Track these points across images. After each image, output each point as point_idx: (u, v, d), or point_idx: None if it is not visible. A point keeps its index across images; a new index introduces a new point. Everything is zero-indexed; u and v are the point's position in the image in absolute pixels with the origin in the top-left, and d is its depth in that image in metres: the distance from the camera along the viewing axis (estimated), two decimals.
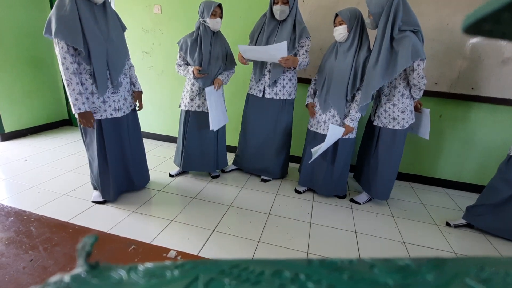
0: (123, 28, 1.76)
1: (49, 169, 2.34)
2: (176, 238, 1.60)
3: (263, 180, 2.37)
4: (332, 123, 1.93)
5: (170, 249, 1.48)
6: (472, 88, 2.23)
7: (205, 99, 2.09)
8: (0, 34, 2.78)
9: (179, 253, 1.47)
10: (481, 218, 1.80)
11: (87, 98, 1.61)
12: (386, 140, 1.90)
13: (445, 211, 2.13)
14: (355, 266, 0.22)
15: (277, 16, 1.94)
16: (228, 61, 2.14)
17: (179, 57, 2.13)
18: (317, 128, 2.03)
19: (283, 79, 2.08)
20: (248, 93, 2.24)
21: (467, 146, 2.43)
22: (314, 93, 2.09)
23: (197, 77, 2.03)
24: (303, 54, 1.99)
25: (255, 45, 2.05)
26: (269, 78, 2.07)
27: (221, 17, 1.99)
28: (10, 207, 0.63)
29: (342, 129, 1.84)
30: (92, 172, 1.84)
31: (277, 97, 2.10)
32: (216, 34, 2.07)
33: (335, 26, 1.85)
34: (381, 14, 1.66)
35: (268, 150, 2.27)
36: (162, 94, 3.05)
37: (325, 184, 2.09)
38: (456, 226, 1.89)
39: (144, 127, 3.27)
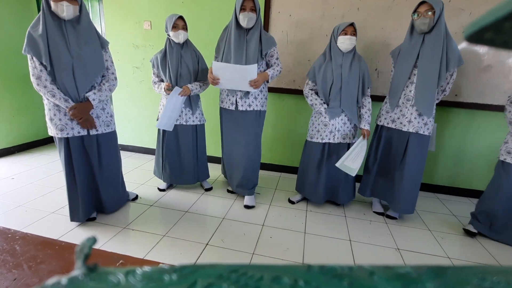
0: (103, 43, 1.69)
1: (37, 187, 2.28)
2: (169, 253, 1.57)
3: (247, 207, 2.12)
4: (344, 130, 2.00)
5: (159, 263, 1.44)
6: (456, 95, 2.31)
7: (181, 112, 2.08)
8: None
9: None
10: (487, 227, 1.81)
11: (55, 114, 1.60)
12: (417, 146, 1.86)
13: (438, 216, 2.15)
14: (355, 273, 0.22)
15: (244, 24, 1.84)
16: (200, 73, 2.11)
17: (153, 74, 2.14)
18: (330, 139, 2.01)
19: (255, 91, 1.99)
20: (220, 107, 2.15)
21: (455, 151, 2.49)
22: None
23: (169, 93, 2.04)
24: (274, 62, 1.97)
25: (222, 59, 1.96)
26: (240, 90, 1.97)
27: (184, 29, 1.97)
28: None
29: (365, 140, 1.95)
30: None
31: (251, 109, 2.01)
32: (186, 46, 2.05)
33: (345, 34, 1.85)
34: (440, 13, 1.67)
35: (245, 163, 2.11)
36: (152, 108, 3.05)
37: (345, 191, 2.11)
38: (474, 234, 1.87)
39: (135, 142, 3.26)
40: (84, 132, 1.67)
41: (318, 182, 2.10)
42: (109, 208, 1.89)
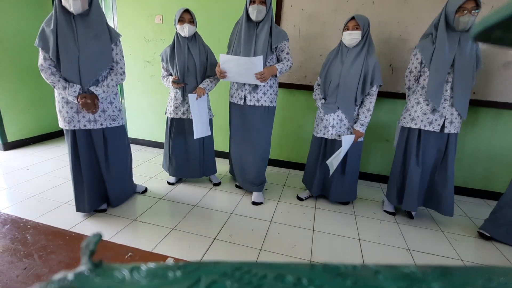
0: (114, 37, 1.68)
1: (51, 178, 2.34)
2: (177, 246, 1.58)
3: (255, 203, 2.12)
4: (341, 127, 1.95)
5: (167, 256, 1.45)
6: (474, 93, 2.22)
7: (189, 106, 2.07)
8: (5, 44, 2.82)
9: (177, 260, 1.44)
10: (503, 232, 1.75)
11: (63, 107, 1.63)
12: (454, 147, 1.84)
13: (451, 217, 2.08)
14: (359, 272, 0.22)
15: (254, 17, 1.83)
16: (209, 67, 2.09)
17: (162, 68, 2.14)
18: (324, 134, 2.00)
19: (264, 86, 1.97)
20: (230, 102, 2.15)
21: (470, 151, 2.41)
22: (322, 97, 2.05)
23: (176, 88, 2.04)
24: (285, 57, 1.94)
25: (232, 53, 1.95)
26: (249, 84, 1.96)
27: (191, 23, 1.95)
28: (7, 214, 0.62)
29: (353, 136, 1.88)
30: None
31: (259, 104, 1.99)
32: (194, 40, 2.04)
33: (347, 30, 1.81)
34: None
35: (252, 159, 2.10)
36: (163, 102, 3.07)
37: (338, 190, 2.08)
38: (489, 237, 1.80)
39: (145, 135, 3.29)
40: (90, 126, 1.69)
41: (315, 174, 2.13)
42: (113, 201, 1.90)
